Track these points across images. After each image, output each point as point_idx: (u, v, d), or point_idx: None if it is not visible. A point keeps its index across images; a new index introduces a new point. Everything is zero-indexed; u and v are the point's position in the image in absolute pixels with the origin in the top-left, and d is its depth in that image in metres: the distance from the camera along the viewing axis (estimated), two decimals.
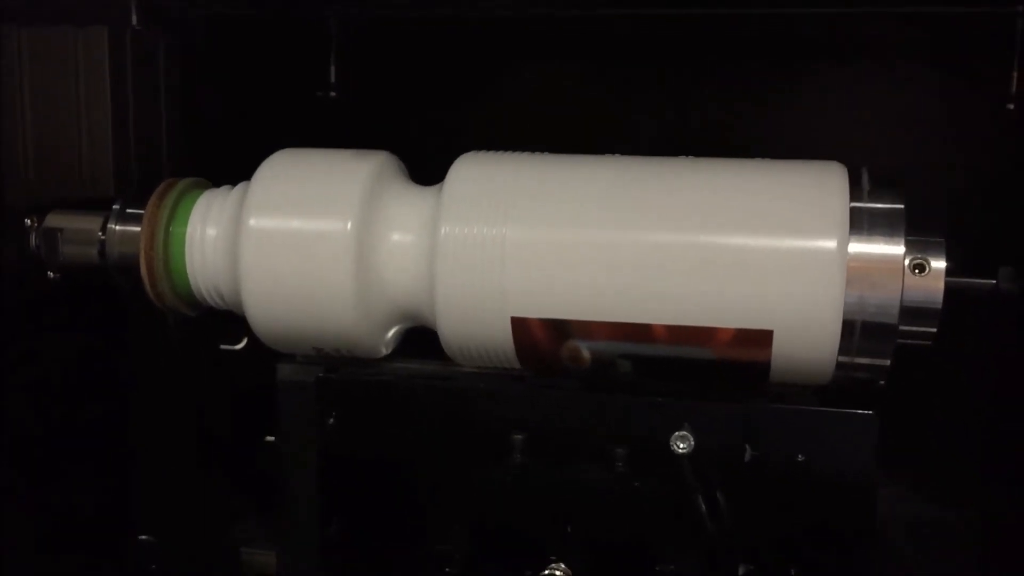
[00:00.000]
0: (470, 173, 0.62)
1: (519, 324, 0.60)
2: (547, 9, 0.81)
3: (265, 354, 0.68)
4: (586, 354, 0.61)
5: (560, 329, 0.60)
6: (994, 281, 0.60)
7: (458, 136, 0.87)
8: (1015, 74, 0.80)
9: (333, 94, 0.93)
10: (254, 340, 0.73)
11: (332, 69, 0.93)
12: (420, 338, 0.67)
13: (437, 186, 0.64)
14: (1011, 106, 0.80)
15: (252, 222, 0.62)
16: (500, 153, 0.64)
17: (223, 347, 0.81)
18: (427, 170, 0.69)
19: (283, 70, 0.92)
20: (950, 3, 0.74)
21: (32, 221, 0.69)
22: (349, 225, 0.61)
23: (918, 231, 0.58)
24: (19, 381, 0.72)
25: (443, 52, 0.89)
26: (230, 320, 0.71)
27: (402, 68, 0.92)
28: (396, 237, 0.63)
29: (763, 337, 0.57)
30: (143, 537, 0.82)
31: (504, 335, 0.61)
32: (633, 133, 0.85)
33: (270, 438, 0.86)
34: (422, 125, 0.91)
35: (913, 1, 0.74)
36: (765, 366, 0.58)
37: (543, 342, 0.61)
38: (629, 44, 0.84)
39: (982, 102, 0.81)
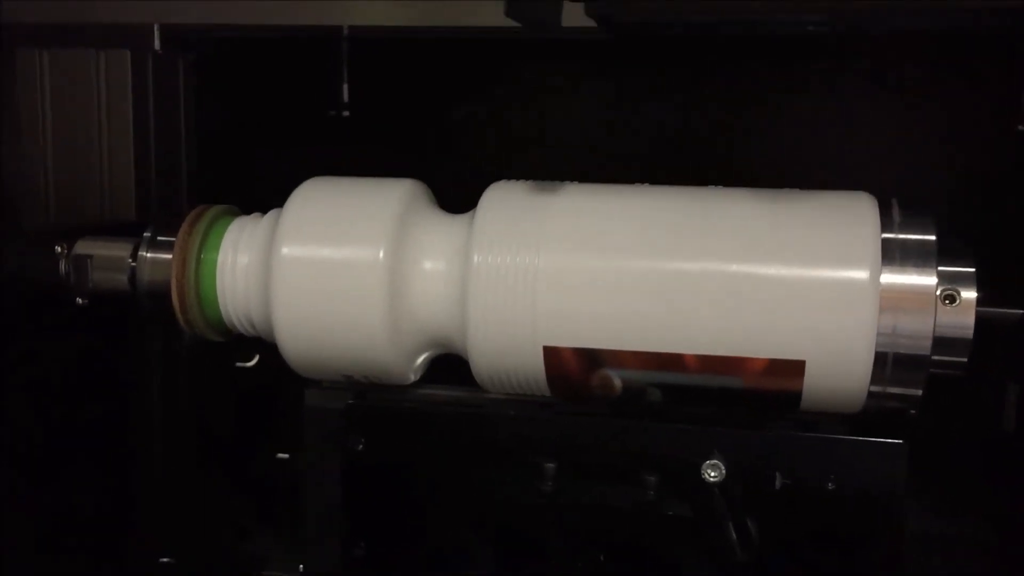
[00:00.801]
0: (501, 202, 0.63)
1: (551, 353, 0.60)
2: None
3: (274, 368, 0.68)
4: (617, 383, 0.61)
5: (592, 358, 0.60)
6: (1022, 311, 0.61)
7: (473, 153, 0.89)
8: None
9: (346, 113, 0.93)
10: (268, 359, 0.74)
11: (345, 88, 0.94)
12: (445, 364, 0.68)
13: (468, 214, 0.64)
14: (1021, 127, 0.81)
15: (285, 250, 0.63)
16: (530, 182, 0.65)
17: (238, 364, 0.82)
18: (443, 188, 0.69)
19: (297, 90, 0.92)
20: (959, 31, 0.75)
21: (62, 248, 0.69)
22: (381, 254, 0.62)
23: (948, 260, 0.58)
24: (20, 385, 0.72)
25: (455, 68, 0.89)
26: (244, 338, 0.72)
27: (414, 86, 0.92)
28: (428, 265, 0.63)
29: (795, 367, 0.58)
30: (164, 560, 0.82)
31: (535, 364, 0.61)
32: (658, 151, 0.86)
33: (283, 455, 0.87)
34: (436, 143, 0.91)
35: (923, 23, 0.75)
36: (796, 395, 0.59)
37: (574, 371, 0.61)
38: (653, 59, 0.85)
39: (993, 124, 0.82)
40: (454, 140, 0.90)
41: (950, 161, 0.83)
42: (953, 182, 0.82)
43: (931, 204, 0.61)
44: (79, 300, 0.70)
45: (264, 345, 0.68)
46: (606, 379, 0.61)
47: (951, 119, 0.83)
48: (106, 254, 0.69)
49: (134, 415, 0.81)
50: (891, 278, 0.57)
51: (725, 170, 0.67)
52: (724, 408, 0.62)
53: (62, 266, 0.69)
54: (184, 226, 0.67)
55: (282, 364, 0.67)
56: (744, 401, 0.60)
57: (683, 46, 0.83)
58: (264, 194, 0.68)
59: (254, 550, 0.88)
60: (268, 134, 0.89)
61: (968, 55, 0.80)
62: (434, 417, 0.65)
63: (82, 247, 0.70)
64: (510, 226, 0.61)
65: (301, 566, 0.71)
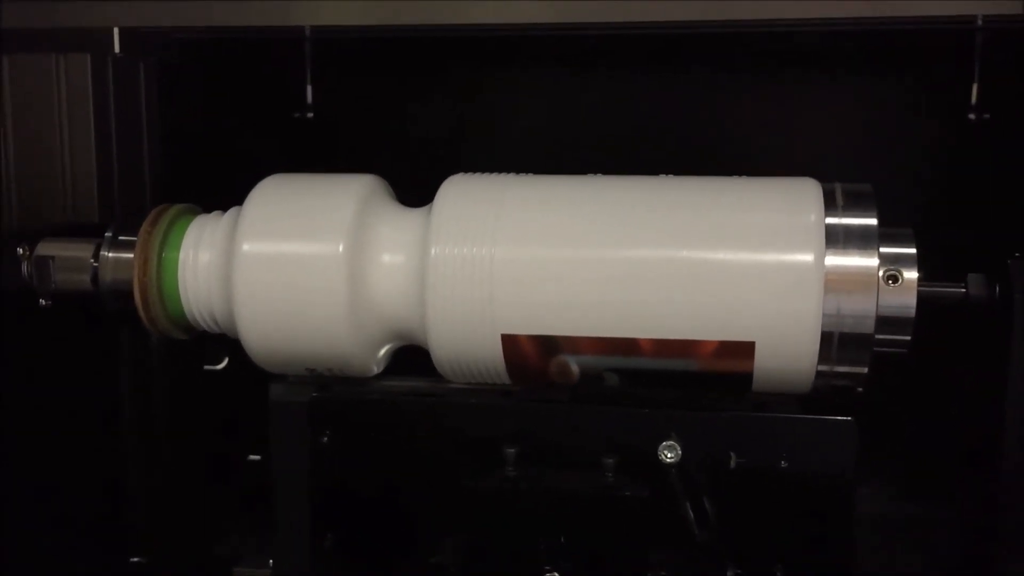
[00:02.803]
0: (458, 195, 0.64)
1: (509, 341, 0.62)
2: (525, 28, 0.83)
3: (251, 373, 0.69)
4: (574, 369, 0.62)
5: (549, 345, 0.62)
6: (963, 288, 0.63)
7: (436, 152, 0.90)
8: (975, 86, 0.83)
9: (310, 115, 0.94)
10: (236, 359, 0.74)
11: (309, 90, 0.94)
12: (409, 356, 0.69)
13: (426, 208, 0.65)
14: (972, 116, 0.83)
15: (246, 247, 0.64)
16: (486, 175, 0.66)
17: (206, 367, 0.82)
18: (407, 188, 0.70)
19: (260, 92, 0.93)
20: (911, 21, 0.77)
21: (24, 249, 0.70)
22: (341, 248, 0.63)
23: (890, 242, 0.60)
24: (11, 394, 0.73)
25: (419, 68, 0.91)
26: (212, 340, 0.72)
27: (378, 86, 0.93)
28: (387, 259, 0.64)
29: (745, 349, 0.59)
30: (135, 559, 0.82)
31: (494, 352, 0.62)
32: (611, 143, 0.87)
33: (254, 456, 0.88)
34: (400, 143, 0.92)
35: (875, 20, 0.77)
36: (748, 376, 0.60)
37: (532, 358, 0.62)
38: (605, 54, 0.87)
39: (944, 113, 0.84)
40: (418, 140, 0.91)
41: (904, 149, 0.85)
42: (907, 169, 0.85)
43: (889, 191, 0.63)
44: (42, 301, 0.70)
45: (233, 347, 0.69)
46: (563, 365, 0.62)
47: (904, 109, 0.85)
48: (68, 255, 0.70)
49: (106, 416, 0.81)
50: (835, 261, 0.58)
51: (679, 160, 0.68)
52: (680, 390, 0.63)
53: (24, 268, 0.70)
54: (145, 225, 0.68)
55: (252, 365, 0.68)
56: (698, 383, 0.62)
57: (638, 44, 0.84)
58: (230, 196, 0.69)
59: (227, 549, 0.88)
60: (233, 137, 0.89)
61: (921, 47, 0.82)
62: (397, 407, 0.67)
63: (44, 248, 0.70)
64: (466, 218, 0.62)
65: (271, 560, 0.71)
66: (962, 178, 0.84)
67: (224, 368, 0.83)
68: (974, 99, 0.83)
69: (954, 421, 0.75)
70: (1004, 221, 0.76)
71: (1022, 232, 0.71)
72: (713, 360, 0.60)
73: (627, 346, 0.61)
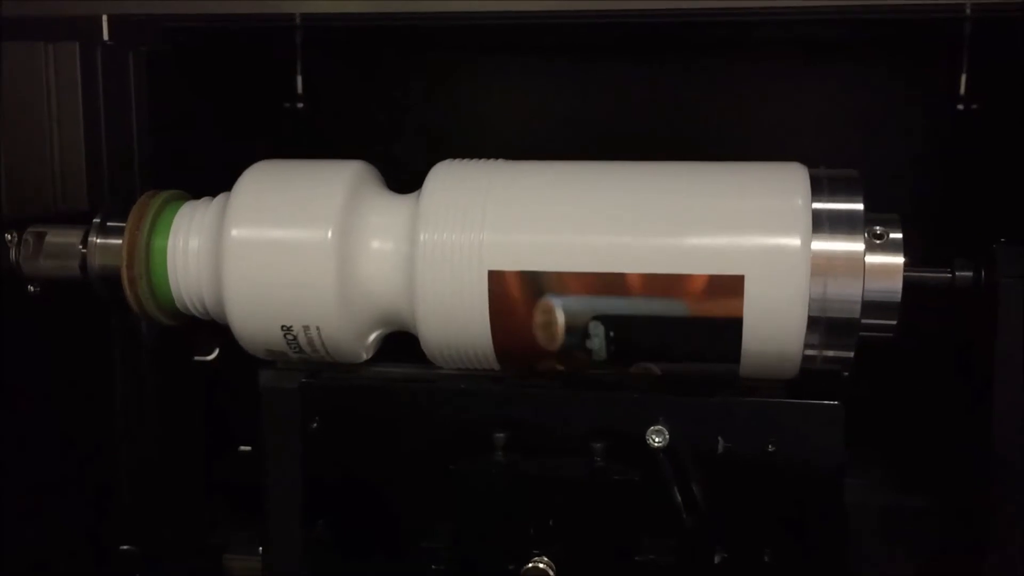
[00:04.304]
0: (446, 180, 0.64)
1: (495, 278, 0.61)
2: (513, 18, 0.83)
3: (241, 364, 0.69)
4: (560, 319, 0.61)
5: (535, 284, 0.60)
6: (949, 273, 0.63)
7: (426, 143, 0.90)
8: (963, 75, 0.83)
9: (300, 105, 0.94)
10: (226, 350, 0.74)
11: (299, 80, 0.94)
12: (398, 343, 0.69)
13: (414, 194, 0.65)
14: (960, 107, 0.83)
15: (234, 232, 0.64)
16: (474, 161, 0.66)
17: (196, 358, 0.83)
18: (397, 178, 0.70)
19: (251, 82, 0.93)
20: (899, 9, 0.77)
21: (11, 236, 0.70)
22: (330, 234, 0.63)
23: (876, 227, 0.60)
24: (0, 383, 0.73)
25: (409, 57, 0.90)
26: (202, 328, 0.72)
27: (369, 77, 0.93)
28: (376, 244, 0.64)
29: (735, 284, 0.58)
30: (125, 547, 0.82)
31: (484, 337, 0.62)
32: (599, 131, 0.88)
33: (245, 447, 0.88)
34: (389, 131, 0.92)
35: (863, 8, 0.77)
36: (737, 320, 0.59)
37: (518, 301, 0.61)
38: (594, 43, 0.87)
39: (933, 102, 0.84)
40: (407, 127, 0.91)
41: (892, 137, 0.86)
42: (895, 157, 0.85)
43: (877, 178, 0.63)
44: (31, 288, 0.70)
45: (222, 336, 0.69)
46: (548, 312, 0.61)
47: (893, 97, 0.85)
48: (56, 241, 0.70)
49: (97, 406, 0.81)
50: (821, 245, 0.59)
51: (668, 147, 0.69)
52: (668, 342, 0.62)
53: (12, 255, 0.69)
54: (134, 211, 0.67)
55: (242, 357, 0.68)
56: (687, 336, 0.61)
57: (628, 32, 0.84)
58: (218, 184, 0.69)
59: (217, 537, 0.88)
60: (224, 127, 0.89)
61: (910, 36, 0.82)
62: (387, 393, 0.67)
63: (32, 234, 0.70)
64: (455, 203, 0.62)
65: (261, 548, 0.72)
66: (949, 166, 0.84)
67: (215, 359, 0.83)
68: (962, 88, 0.83)
69: (940, 407, 0.76)
70: (991, 208, 0.76)
71: (1008, 218, 0.72)
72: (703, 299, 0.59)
73: (615, 283, 0.60)
